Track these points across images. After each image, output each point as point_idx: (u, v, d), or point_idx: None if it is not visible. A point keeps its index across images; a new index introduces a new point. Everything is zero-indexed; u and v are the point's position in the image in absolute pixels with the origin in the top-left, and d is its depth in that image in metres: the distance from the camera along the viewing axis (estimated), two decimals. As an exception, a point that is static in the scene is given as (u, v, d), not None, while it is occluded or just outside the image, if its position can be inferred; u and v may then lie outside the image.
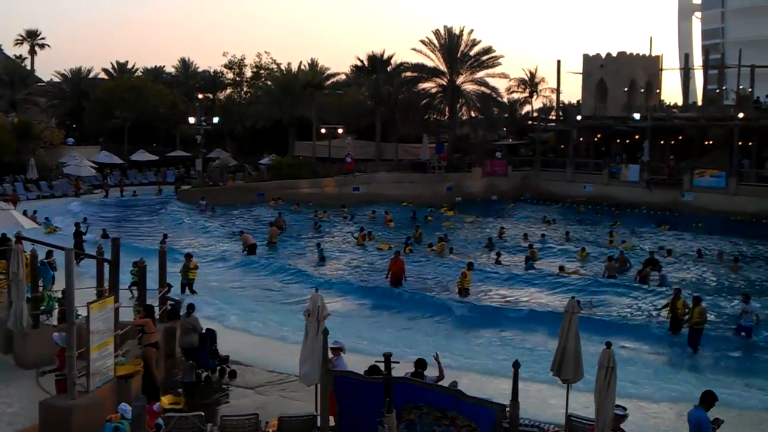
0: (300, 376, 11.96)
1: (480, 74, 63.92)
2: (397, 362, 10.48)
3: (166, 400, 14.83)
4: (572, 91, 71.28)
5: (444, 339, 22.52)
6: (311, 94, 63.83)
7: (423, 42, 63.63)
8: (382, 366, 11.34)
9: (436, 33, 63.91)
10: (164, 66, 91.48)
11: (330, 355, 12.74)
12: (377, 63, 69.04)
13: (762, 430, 16.53)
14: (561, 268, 32.75)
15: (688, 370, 20.40)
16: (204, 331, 18.05)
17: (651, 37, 69.91)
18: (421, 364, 13.43)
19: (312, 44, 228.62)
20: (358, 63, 71.37)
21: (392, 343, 19.76)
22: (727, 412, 13.74)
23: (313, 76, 70.63)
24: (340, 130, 62.04)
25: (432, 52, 63.86)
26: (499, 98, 65.60)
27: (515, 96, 71.39)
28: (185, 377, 17.08)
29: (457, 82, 63.23)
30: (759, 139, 54.20)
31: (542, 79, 71.75)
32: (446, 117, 64.51)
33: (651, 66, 68.25)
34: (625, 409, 12.23)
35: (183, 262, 26.87)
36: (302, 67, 75.61)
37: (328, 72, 75.53)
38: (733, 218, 48.31)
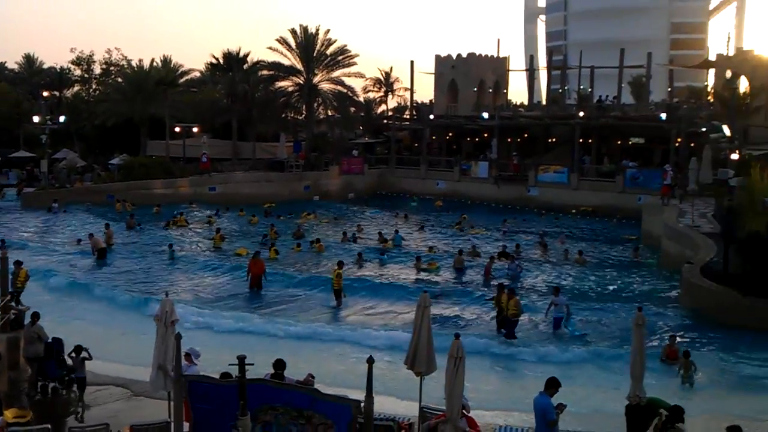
0: (149, 383, 11.81)
1: (336, 73, 64.43)
2: (251, 364, 10.53)
3: (9, 414, 14.18)
4: (426, 91, 73.14)
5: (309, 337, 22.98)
6: (164, 92, 62.14)
7: (279, 41, 63.40)
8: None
9: (293, 32, 63.81)
10: (6, 62, 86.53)
11: (183, 361, 12.63)
12: (233, 61, 68.24)
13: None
14: (418, 260, 33.95)
15: (507, 359, 21.40)
16: (50, 340, 17.36)
17: (498, 39, 73.15)
18: (280, 365, 13.52)
19: (165, 41, 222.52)
20: (214, 61, 70.38)
21: (252, 347, 19.81)
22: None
23: (166, 73, 68.82)
24: (195, 129, 60.74)
25: (288, 51, 63.72)
26: (356, 97, 66.34)
27: (371, 95, 72.39)
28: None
29: (314, 81, 63.39)
30: (598, 137, 57.67)
31: (397, 79, 73.13)
32: (303, 116, 64.58)
33: (499, 67, 71.09)
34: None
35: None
36: (155, 64, 73.49)
37: (182, 69, 73.87)
38: (575, 211, 51.28)
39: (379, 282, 30.13)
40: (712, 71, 64.29)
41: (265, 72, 65.68)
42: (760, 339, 22.43)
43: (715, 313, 24.40)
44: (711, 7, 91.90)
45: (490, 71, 69.76)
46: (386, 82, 72.73)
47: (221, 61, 69.75)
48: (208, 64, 71.85)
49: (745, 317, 23.50)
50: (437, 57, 70.35)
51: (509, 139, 62.03)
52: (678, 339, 21.65)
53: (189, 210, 48.58)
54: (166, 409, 12.12)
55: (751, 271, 24.20)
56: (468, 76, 68.39)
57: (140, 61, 74.06)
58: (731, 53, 62.17)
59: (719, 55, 61.80)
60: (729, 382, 19.75)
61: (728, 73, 56.81)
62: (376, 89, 72.30)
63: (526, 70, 78.04)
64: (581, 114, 56.79)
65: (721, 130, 41.67)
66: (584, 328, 24.25)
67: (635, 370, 14.13)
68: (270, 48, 63.56)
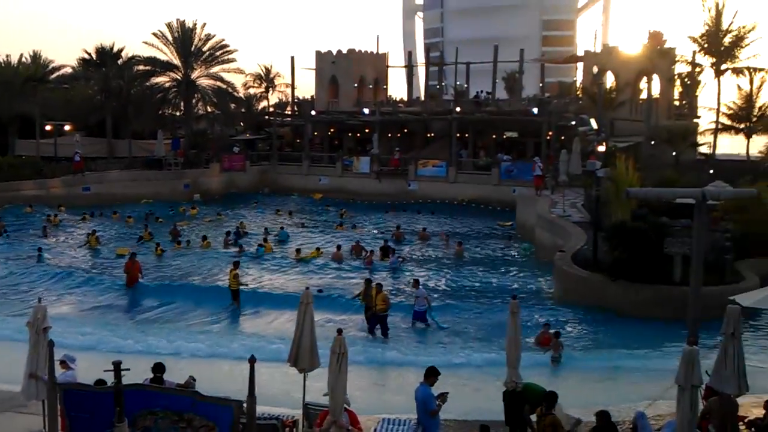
0: (21, 392, 11.48)
1: (215, 69, 63.36)
2: (128, 369, 10.40)
3: None
4: (307, 87, 73.08)
5: (184, 331, 22.70)
6: (34, 89, 59.42)
7: (155, 35, 61.82)
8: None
9: (169, 26, 62.35)
10: None
11: (58, 369, 12.33)
12: (107, 56, 66.01)
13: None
14: (297, 251, 34.17)
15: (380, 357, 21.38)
16: None
17: (378, 36, 73.67)
18: (159, 368, 13.39)
19: (34, 35, 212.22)
20: (86, 56, 67.89)
21: (129, 345, 19.53)
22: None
23: (35, 69, 65.75)
24: (67, 127, 58.28)
25: (165, 45, 62.18)
26: (236, 93, 65.47)
27: (252, 91, 71.58)
28: None
29: (192, 77, 62.16)
30: (474, 131, 59.32)
31: (278, 74, 72.63)
32: (182, 112, 63.27)
33: (379, 63, 71.84)
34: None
35: None
36: (23, 59, 69.98)
37: (53, 65, 70.68)
38: (454, 203, 52.66)
39: (262, 287, 29.71)
40: (580, 67, 67.13)
41: (140, 67, 63.84)
42: (627, 323, 23.82)
43: (586, 298, 25.71)
44: (579, 5, 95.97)
45: (370, 67, 70.40)
46: (267, 78, 72.12)
47: (94, 56, 67.34)
48: (80, 59, 69.16)
49: (613, 302, 24.90)
50: (318, 53, 70.38)
51: (390, 135, 62.88)
52: (550, 325, 22.71)
53: (58, 213, 46.63)
54: (41, 419, 11.80)
55: (618, 258, 25.65)
56: (348, 72, 68.79)
57: (7, 56, 70.36)
58: (598, 50, 65.16)
59: (587, 52, 64.68)
60: (597, 366, 20.85)
61: (595, 69, 59.63)
62: (256, 85, 71.57)
63: (405, 66, 79.14)
64: (458, 109, 58.26)
65: (589, 124, 43.64)
66: (457, 321, 24.72)
67: (511, 357, 14.75)
68: (146, 43, 61.95)
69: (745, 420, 14.23)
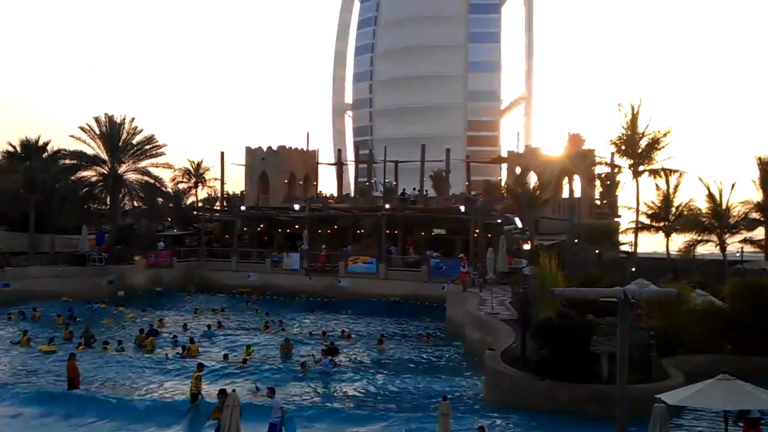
0: None
1: (143, 163, 63.01)
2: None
3: None
4: (237, 182, 73.22)
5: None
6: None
7: (83, 129, 61.42)
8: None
9: (97, 120, 62.10)
10: None
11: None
12: (31, 149, 65.07)
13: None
14: (225, 357, 33.31)
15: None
16: None
17: (308, 133, 74.62)
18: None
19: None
20: (10, 148, 66.77)
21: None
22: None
23: (-46, 161, 64.34)
24: (-14, 221, 56.80)
25: (93, 139, 61.76)
26: (164, 188, 65.08)
27: (180, 186, 71.23)
28: None
29: (119, 171, 61.62)
30: (403, 228, 60.05)
31: (207, 170, 72.69)
32: (108, 207, 62.31)
33: (309, 159, 72.73)
34: None
35: None
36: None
37: (-27, 157, 69.15)
38: (384, 300, 52.64)
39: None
40: (505, 166, 69.29)
41: (67, 161, 63.05)
42: (557, 422, 23.80)
43: (515, 397, 25.71)
44: (502, 107, 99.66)
45: (300, 163, 71.17)
46: (196, 173, 72.08)
47: (18, 149, 66.30)
48: (4, 152, 67.99)
49: (542, 400, 24.97)
50: (248, 149, 70.90)
51: (320, 231, 63.07)
52: (481, 423, 22.53)
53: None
54: None
55: (546, 356, 25.87)
56: (278, 168, 69.34)
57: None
58: (521, 150, 67.51)
59: (510, 152, 66.97)
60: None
61: (518, 170, 61.63)
62: (185, 180, 71.39)
63: (335, 163, 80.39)
64: (387, 206, 59.05)
65: (515, 222, 44.85)
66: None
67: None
68: (72, 136, 61.43)
69: None
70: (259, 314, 48.31)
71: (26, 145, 65.86)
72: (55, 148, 64.88)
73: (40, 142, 66.14)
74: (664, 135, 56.24)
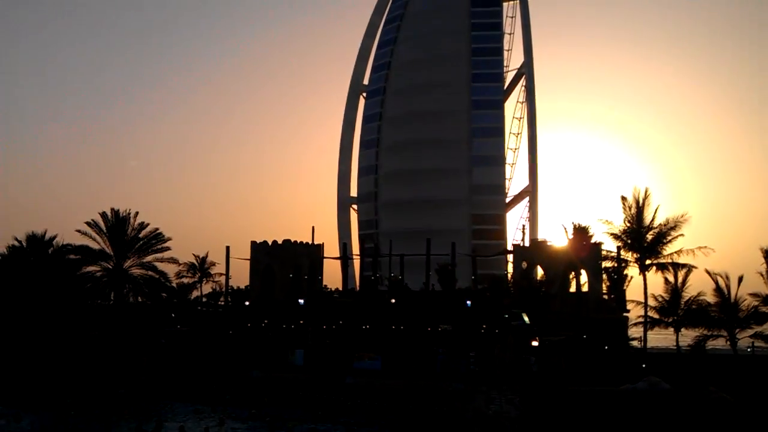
0: None
1: (148, 258, 63.22)
2: None
3: None
4: (242, 276, 73.03)
5: None
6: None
7: (89, 224, 61.84)
8: None
9: (103, 215, 62.57)
10: None
11: None
12: (37, 244, 65.34)
13: None
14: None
15: None
16: None
17: (313, 227, 75.09)
18: None
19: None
20: (16, 243, 66.99)
21: None
22: None
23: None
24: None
25: (98, 234, 62.16)
26: (168, 283, 64.90)
27: (185, 281, 70.92)
28: None
29: (124, 266, 61.66)
30: (409, 323, 59.15)
31: (212, 264, 72.44)
32: (111, 302, 62.06)
33: (314, 253, 72.49)
34: None
35: None
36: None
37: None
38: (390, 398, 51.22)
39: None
40: (511, 258, 68.93)
41: (72, 256, 63.22)
42: None
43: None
44: (507, 200, 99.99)
45: (305, 257, 70.94)
46: (201, 268, 71.89)
47: (24, 243, 66.50)
48: (9, 246, 68.19)
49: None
50: (253, 243, 70.84)
51: (324, 326, 62.28)
52: None
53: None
54: None
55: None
56: (284, 262, 69.07)
57: None
58: (527, 243, 67.40)
59: (515, 246, 66.82)
60: None
61: (524, 264, 61.23)
62: (190, 275, 71.13)
63: (340, 257, 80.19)
64: (393, 300, 58.52)
65: (522, 318, 44.30)
66: None
67: None
68: (79, 231, 61.84)
69: None
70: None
71: (32, 239, 66.00)
72: (62, 243, 64.98)
73: (46, 237, 66.28)
74: (671, 229, 56.35)
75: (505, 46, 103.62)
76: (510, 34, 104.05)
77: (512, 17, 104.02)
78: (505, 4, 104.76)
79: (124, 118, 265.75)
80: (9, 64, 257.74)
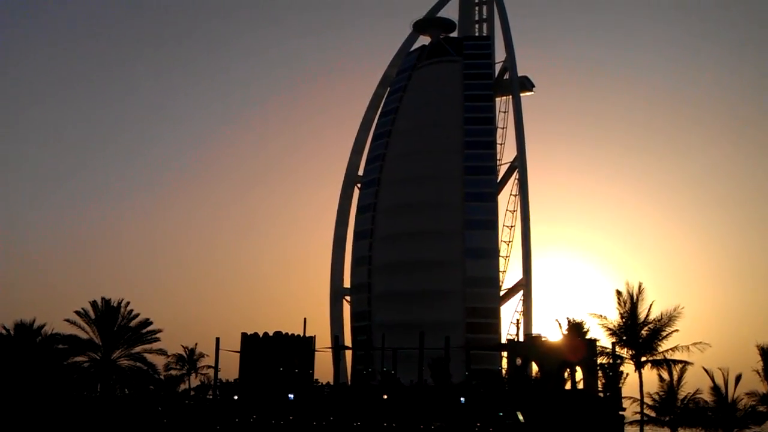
0: None
1: (137, 349, 62.31)
2: None
3: None
4: (232, 368, 71.75)
5: None
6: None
7: (78, 313, 61.21)
8: None
9: (93, 304, 62.02)
10: None
11: None
12: (26, 333, 64.35)
13: None
14: None
15: None
16: None
17: (305, 319, 74.25)
18: None
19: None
20: (3, 331, 65.93)
21: None
22: None
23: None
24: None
25: (87, 324, 61.43)
26: (156, 375, 63.80)
27: (173, 373, 69.64)
28: None
29: (112, 357, 60.73)
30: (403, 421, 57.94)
31: (201, 356, 71.32)
32: (97, 392, 60.83)
33: (305, 346, 71.51)
34: None
35: None
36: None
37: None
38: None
39: None
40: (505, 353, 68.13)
41: (60, 346, 62.29)
42: None
43: None
44: (501, 293, 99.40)
45: (296, 350, 69.91)
46: (190, 360, 70.75)
47: (12, 332, 65.42)
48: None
49: None
50: (243, 335, 69.99)
51: (315, 423, 60.94)
52: None
53: None
54: None
55: None
56: (274, 355, 67.98)
57: None
58: (521, 337, 66.72)
59: (510, 341, 66.14)
60: None
61: (518, 361, 60.41)
62: (178, 367, 69.92)
63: (332, 348, 79.17)
64: (384, 396, 57.47)
65: (516, 416, 43.43)
66: None
67: None
68: (67, 320, 61.13)
69: None
70: None
71: (20, 327, 64.98)
72: (50, 332, 63.98)
73: (35, 325, 65.26)
74: (666, 324, 55.95)
75: (498, 140, 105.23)
76: (503, 128, 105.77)
77: (505, 112, 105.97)
78: (498, 99, 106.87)
79: (115, 208, 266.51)
80: None
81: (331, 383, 72.80)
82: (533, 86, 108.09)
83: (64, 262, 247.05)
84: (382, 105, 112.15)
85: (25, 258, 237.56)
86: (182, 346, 71.10)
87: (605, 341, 58.52)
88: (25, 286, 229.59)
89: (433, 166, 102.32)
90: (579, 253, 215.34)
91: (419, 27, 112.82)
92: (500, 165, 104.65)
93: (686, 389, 54.69)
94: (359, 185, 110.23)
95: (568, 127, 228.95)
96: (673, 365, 54.89)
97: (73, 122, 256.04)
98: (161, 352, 64.05)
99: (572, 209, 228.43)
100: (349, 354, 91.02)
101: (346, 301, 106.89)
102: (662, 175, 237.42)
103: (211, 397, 69.10)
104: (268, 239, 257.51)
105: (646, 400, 54.93)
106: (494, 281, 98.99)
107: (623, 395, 59.85)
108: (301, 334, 72.25)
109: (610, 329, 57.49)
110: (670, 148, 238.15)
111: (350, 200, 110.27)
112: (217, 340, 68.29)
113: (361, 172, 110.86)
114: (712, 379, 51.87)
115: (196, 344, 71.57)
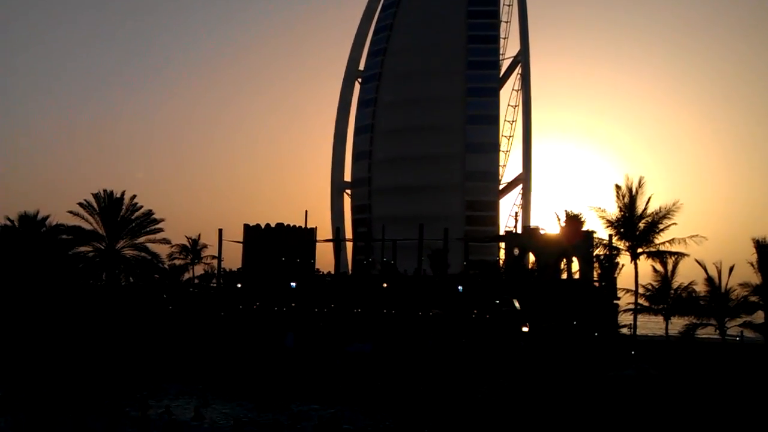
0: None
1: (141, 239, 63.13)
2: None
3: None
4: (235, 260, 73.01)
5: None
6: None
7: (82, 205, 61.67)
8: None
9: (96, 196, 62.41)
10: None
11: None
12: (30, 224, 65.13)
13: None
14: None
15: None
16: None
17: (306, 211, 75.20)
18: None
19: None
20: (8, 223, 66.78)
21: None
22: None
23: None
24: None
25: (91, 215, 62.02)
26: (160, 264, 64.88)
27: (177, 263, 70.89)
28: None
29: (117, 247, 61.59)
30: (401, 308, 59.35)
31: (204, 246, 72.38)
32: (103, 282, 62.06)
33: (306, 237, 72.57)
34: None
35: None
36: None
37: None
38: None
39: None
40: (503, 244, 69.04)
41: (64, 236, 63.08)
42: None
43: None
44: (501, 187, 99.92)
45: (298, 241, 70.99)
46: (193, 250, 71.84)
47: (17, 223, 66.25)
48: (1, 226, 67.89)
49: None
50: (246, 226, 70.89)
51: (316, 309, 62.43)
52: None
53: None
54: None
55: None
56: (277, 245, 69.08)
57: None
58: (519, 230, 67.52)
59: (508, 232, 66.93)
60: None
61: (516, 251, 61.37)
62: (182, 257, 71.09)
63: (333, 240, 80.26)
64: (384, 285, 58.70)
65: (513, 304, 44.48)
66: None
67: None
68: (71, 212, 61.64)
69: None
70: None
71: (24, 219, 65.73)
72: (54, 223, 64.74)
73: (39, 217, 66.04)
74: (663, 217, 56.34)
75: (502, 34, 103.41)
76: (506, 22, 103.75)
77: (509, 5, 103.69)
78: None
79: (119, 103, 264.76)
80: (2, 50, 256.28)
81: (332, 272, 74.24)
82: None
83: (68, 156, 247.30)
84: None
85: (28, 151, 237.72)
86: (186, 236, 72.14)
87: (603, 234, 59.23)
88: (28, 180, 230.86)
89: (436, 61, 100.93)
90: (581, 141, 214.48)
91: None
92: (503, 59, 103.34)
93: (680, 280, 55.69)
94: (360, 79, 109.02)
95: (572, 17, 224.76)
96: (668, 257, 55.63)
97: (79, 11, 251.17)
98: (165, 241, 64.95)
99: (575, 96, 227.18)
100: (350, 246, 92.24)
101: (347, 194, 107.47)
102: (670, 66, 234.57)
103: (215, 285, 70.61)
104: (269, 134, 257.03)
105: (641, 290, 55.99)
106: (494, 175, 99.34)
107: (618, 286, 61.10)
108: (303, 226, 73.24)
109: (608, 221, 58.01)
110: (678, 39, 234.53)
111: (351, 95, 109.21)
112: (220, 231, 69.38)
113: (362, 67, 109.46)
114: (705, 270, 52.59)
115: (199, 235, 72.59)
